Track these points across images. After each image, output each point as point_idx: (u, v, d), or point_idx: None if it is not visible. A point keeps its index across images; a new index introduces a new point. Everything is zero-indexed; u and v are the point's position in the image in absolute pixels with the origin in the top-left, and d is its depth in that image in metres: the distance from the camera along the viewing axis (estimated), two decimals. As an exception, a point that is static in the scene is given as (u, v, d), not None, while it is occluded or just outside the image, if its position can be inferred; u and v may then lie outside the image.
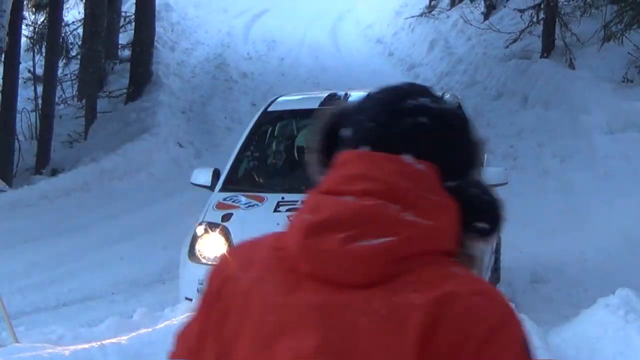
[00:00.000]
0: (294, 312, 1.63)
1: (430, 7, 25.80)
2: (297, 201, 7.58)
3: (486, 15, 22.57)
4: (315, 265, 1.63)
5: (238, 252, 1.83)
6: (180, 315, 5.44)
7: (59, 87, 18.58)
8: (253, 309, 1.67)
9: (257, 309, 1.67)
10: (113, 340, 4.86)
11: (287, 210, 7.48)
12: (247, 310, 1.68)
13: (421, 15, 25.60)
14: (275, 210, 7.53)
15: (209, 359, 1.74)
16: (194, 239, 7.42)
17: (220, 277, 1.77)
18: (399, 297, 1.58)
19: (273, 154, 8.72)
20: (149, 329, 5.01)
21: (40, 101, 17.82)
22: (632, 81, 16.13)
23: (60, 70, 19.13)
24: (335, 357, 1.58)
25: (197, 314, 1.80)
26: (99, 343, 4.76)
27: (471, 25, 21.98)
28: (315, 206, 1.67)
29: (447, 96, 9.04)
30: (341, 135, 1.76)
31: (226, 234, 7.33)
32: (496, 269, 9.21)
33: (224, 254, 1.88)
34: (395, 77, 21.75)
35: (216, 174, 8.17)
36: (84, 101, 18.75)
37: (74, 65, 20.47)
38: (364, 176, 1.65)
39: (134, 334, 4.93)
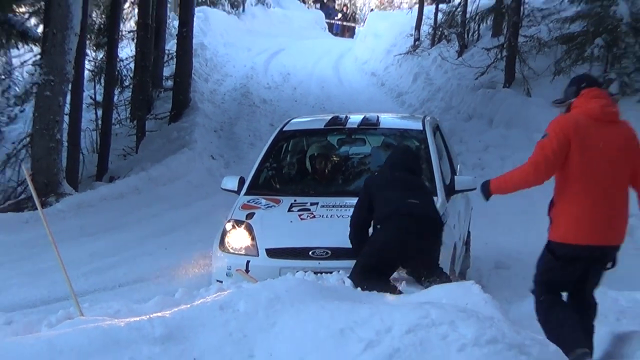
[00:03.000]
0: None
1: (415, 47, 25.84)
2: (306, 203, 7.63)
3: (460, 53, 22.61)
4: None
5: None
6: (212, 294, 5.46)
7: (115, 111, 18.61)
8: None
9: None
10: (159, 314, 4.88)
11: (299, 210, 7.51)
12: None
13: (407, 53, 25.65)
14: (289, 210, 7.54)
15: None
16: (224, 233, 7.42)
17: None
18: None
19: (287, 165, 8.72)
20: (188, 305, 5.02)
21: (100, 122, 17.85)
22: (577, 107, 16.13)
23: (116, 97, 19.17)
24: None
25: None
26: (147, 316, 4.78)
27: (447, 61, 22.03)
28: None
29: (428, 118, 9.08)
30: None
31: (250, 229, 7.33)
32: (467, 257, 9.23)
33: None
34: (386, 103, 21.80)
35: (241, 181, 8.17)
36: (135, 122, 18.80)
37: (127, 93, 20.52)
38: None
39: (175, 309, 4.94)
